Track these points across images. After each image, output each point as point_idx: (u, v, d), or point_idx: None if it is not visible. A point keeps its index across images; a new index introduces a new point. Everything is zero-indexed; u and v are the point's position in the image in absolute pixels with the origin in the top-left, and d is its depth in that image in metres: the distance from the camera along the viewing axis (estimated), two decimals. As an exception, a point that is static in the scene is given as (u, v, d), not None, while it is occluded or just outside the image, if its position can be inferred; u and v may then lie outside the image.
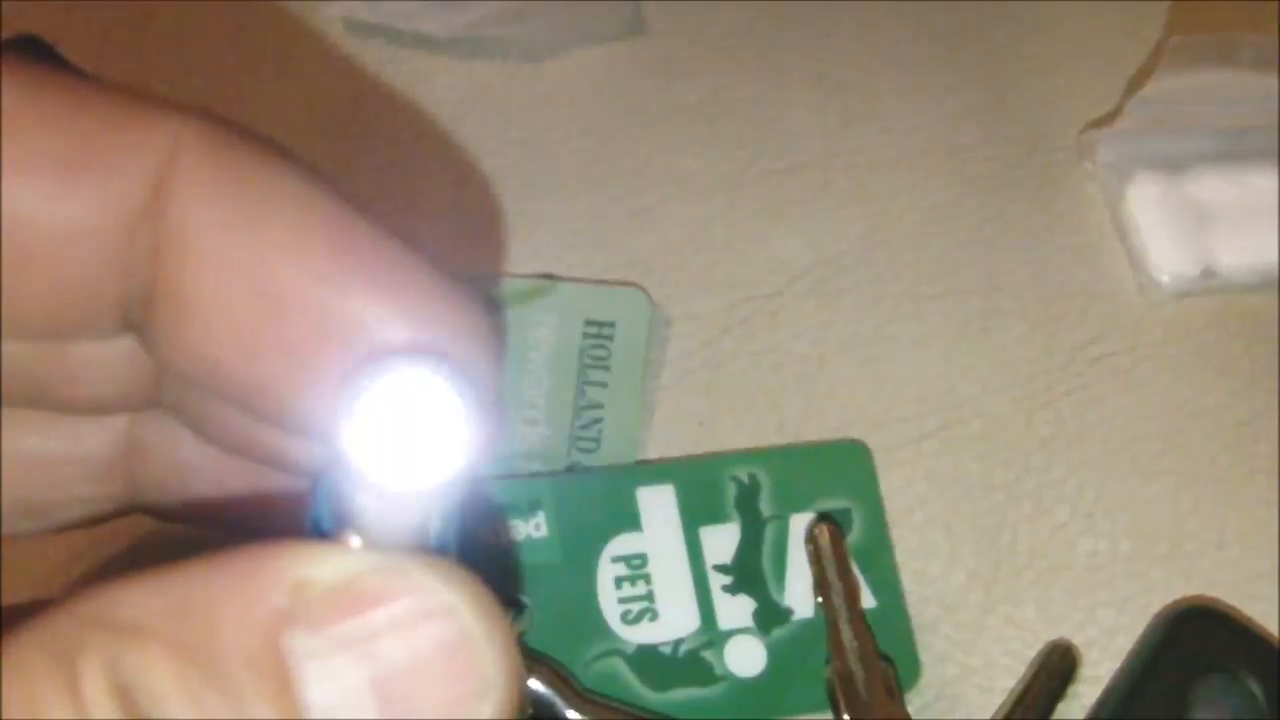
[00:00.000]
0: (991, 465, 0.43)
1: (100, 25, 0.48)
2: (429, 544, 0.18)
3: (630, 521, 0.39)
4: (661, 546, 0.39)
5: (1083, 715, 0.40)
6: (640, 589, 0.39)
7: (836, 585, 0.39)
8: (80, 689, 0.15)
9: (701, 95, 0.50)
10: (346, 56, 0.49)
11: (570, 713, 0.36)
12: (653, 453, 0.42)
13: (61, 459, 0.23)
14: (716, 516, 0.40)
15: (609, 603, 0.39)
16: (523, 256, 0.45)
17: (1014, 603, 0.41)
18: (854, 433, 0.43)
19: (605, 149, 0.48)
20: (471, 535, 0.38)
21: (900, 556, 0.41)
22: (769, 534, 0.40)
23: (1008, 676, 0.40)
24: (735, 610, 0.39)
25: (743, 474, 0.41)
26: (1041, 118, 0.51)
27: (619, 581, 0.39)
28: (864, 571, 0.40)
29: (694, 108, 0.49)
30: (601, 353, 0.43)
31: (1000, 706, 0.39)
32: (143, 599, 0.16)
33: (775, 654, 0.39)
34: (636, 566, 0.39)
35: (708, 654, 0.39)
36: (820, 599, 0.39)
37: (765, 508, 0.40)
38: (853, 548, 0.40)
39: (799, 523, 0.40)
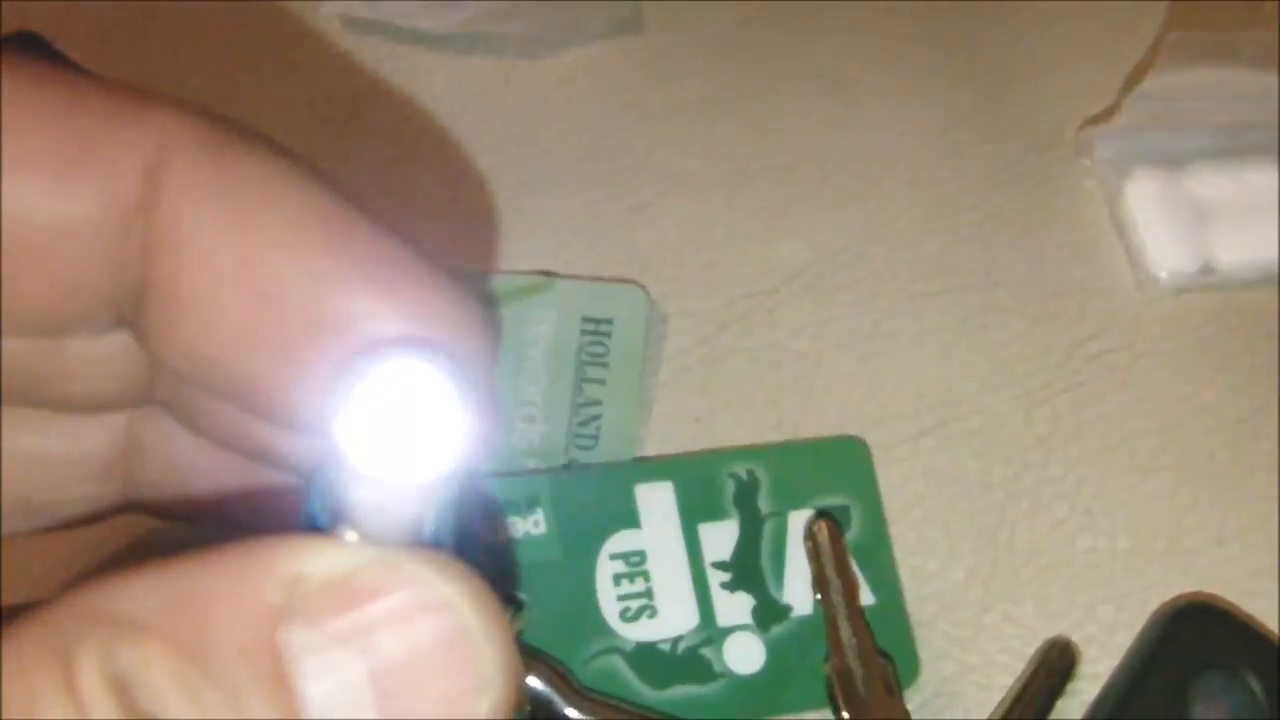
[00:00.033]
0: (990, 462, 0.43)
1: (100, 24, 0.48)
2: (425, 538, 0.18)
3: (629, 519, 0.39)
4: (660, 544, 0.39)
5: (1081, 712, 0.40)
6: (639, 586, 0.39)
7: (835, 582, 0.39)
8: (77, 684, 0.15)
9: (700, 93, 0.50)
10: (344, 53, 0.49)
11: (569, 710, 0.36)
12: (651, 450, 0.42)
13: (59, 458, 0.23)
14: (715, 513, 0.40)
15: (608, 600, 0.38)
16: (520, 253, 0.45)
17: (1012, 600, 0.41)
18: (852, 430, 0.43)
19: (603, 146, 0.48)
20: (469, 531, 0.38)
21: (899, 553, 0.41)
22: (768, 531, 0.40)
23: (1006, 674, 0.40)
24: (734, 607, 0.39)
25: (741, 471, 0.41)
26: (1039, 114, 0.51)
27: (618, 579, 0.39)
28: (862, 569, 0.40)
29: (692, 105, 0.49)
30: (599, 350, 0.43)
31: (999, 704, 0.39)
32: (139, 594, 0.16)
33: (774, 651, 0.39)
34: (635, 564, 0.39)
35: (707, 651, 0.39)
36: (819, 596, 0.39)
37: (764, 504, 0.40)
38: (851, 545, 0.40)
39: (798, 519, 0.40)
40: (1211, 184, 0.48)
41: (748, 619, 0.39)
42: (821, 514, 0.40)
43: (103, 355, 0.22)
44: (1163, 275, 0.47)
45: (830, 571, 0.39)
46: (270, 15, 0.49)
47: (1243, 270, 0.47)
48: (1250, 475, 0.44)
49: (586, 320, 0.43)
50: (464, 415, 0.16)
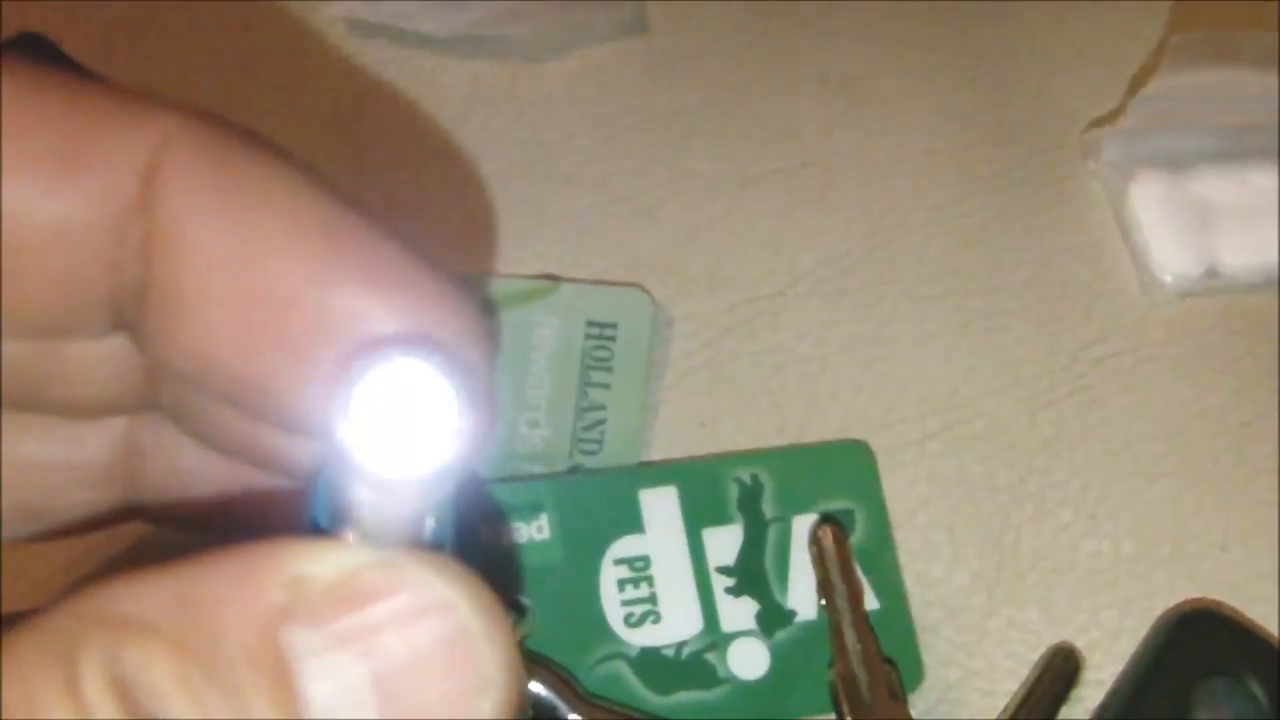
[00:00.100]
0: (994, 466, 0.43)
1: (102, 25, 0.48)
2: (426, 539, 0.18)
3: (633, 523, 0.39)
4: (664, 548, 0.39)
5: (1086, 718, 0.39)
6: (643, 591, 0.39)
7: (840, 587, 0.39)
8: (80, 686, 0.15)
9: (704, 96, 0.50)
10: (348, 56, 0.49)
11: (572, 716, 0.36)
12: (655, 454, 0.42)
13: (60, 463, 0.23)
14: (719, 518, 0.40)
15: (611, 605, 0.38)
16: (524, 257, 0.45)
17: (1017, 605, 0.41)
18: (856, 434, 0.43)
19: (607, 149, 0.48)
20: (470, 534, 0.38)
21: (903, 558, 0.41)
22: (771, 535, 0.40)
23: (1011, 679, 0.40)
24: (738, 612, 0.39)
25: (745, 475, 0.41)
26: (1044, 117, 0.51)
27: (621, 584, 0.39)
28: (867, 573, 0.40)
29: (697, 108, 0.49)
30: (604, 354, 0.43)
31: (1003, 709, 0.39)
32: (142, 596, 0.16)
33: (778, 656, 0.39)
34: (639, 569, 0.39)
35: (710, 656, 0.38)
36: (824, 601, 0.39)
37: (768, 509, 0.40)
38: (855, 549, 0.40)
39: (802, 524, 0.40)
40: (1216, 186, 0.48)
41: (752, 624, 0.39)
42: (826, 518, 0.40)
43: (102, 358, 0.22)
44: (1168, 278, 0.47)
45: (835, 576, 0.39)
46: (274, 18, 0.49)
47: (1247, 273, 0.47)
48: (1254, 480, 0.44)
49: (591, 324, 0.43)
50: (462, 413, 0.16)
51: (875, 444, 0.43)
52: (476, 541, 0.38)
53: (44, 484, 0.23)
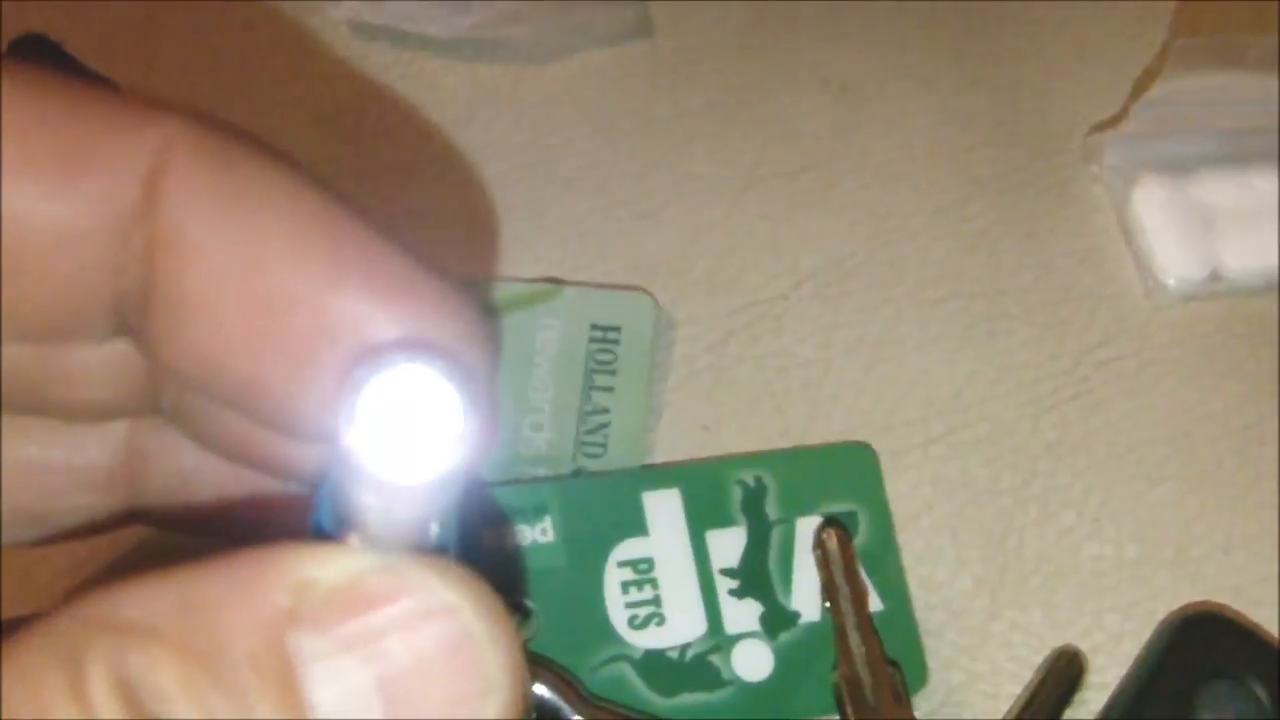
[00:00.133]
0: (998, 469, 0.43)
1: (104, 26, 0.48)
2: (430, 543, 0.18)
3: (636, 526, 0.39)
4: (668, 551, 0.39)
5: (1090, 720, 0.40)
6: (647, 594, 0.39)
7: (844, 590, 0.39)
8: (86, 689, 0.15)
9: (707, 98, 0.50)
10: (351, 59, 0.49)
11: (576, 718, 0.36)
12: (659, 457, 0.42)
13: (62, 468, 0.23)
14: (723, 520, 0.40)
15: (615, 607, 0.38)
16: (527, 261, 0.45)
17: (1020, 608, 0.41)
18: (859, 437, 0.43)
19: (611, 152, 0.48)
20: (474, 537, 0.38)
21: (907, 561, 0.41)
22: (775, 537, 0.40)
23: (1014, 682, 0.40)
24: (742, 614, 0.39)
25: (749, 477, 0.41)
26: (1047, 121, 0.51)
27: (625, 586, 0.39)
28: (870, 575, 0.40)
29: (700, 111, 0.49)
30: (607, 357, 0.43)
31: (1007, 712, 0.39)
32: (147, 600, 0.16)
33: (782, 658, 0.39)
34: (643, 571, 0.39)
35: (715, 658, 0.38)
36: (827, 603, 0.39)
37: (771, 511, 0.40)
38: (859, 552, 0.40)
39: (805, 526, 0.40)
40: (1219, 190, 0.48)
41: (756, 626, 0.39)
42: (830, 521, 0.40)
43: (104, 362, 0.22)
44: (1170, 282, 0.47)
45: (839, 579, 0.39)
46: (276, 20, 0.49)
47: (1249, 277, 0.47)
48: (1257, 483, 0.44)
49: (594, 328, 0.43)
50: (466, 418, 0.16)
51: (879, 447, 0.43)
52: (480, 544, 0.38)
53: (45, 487, 0.23)
